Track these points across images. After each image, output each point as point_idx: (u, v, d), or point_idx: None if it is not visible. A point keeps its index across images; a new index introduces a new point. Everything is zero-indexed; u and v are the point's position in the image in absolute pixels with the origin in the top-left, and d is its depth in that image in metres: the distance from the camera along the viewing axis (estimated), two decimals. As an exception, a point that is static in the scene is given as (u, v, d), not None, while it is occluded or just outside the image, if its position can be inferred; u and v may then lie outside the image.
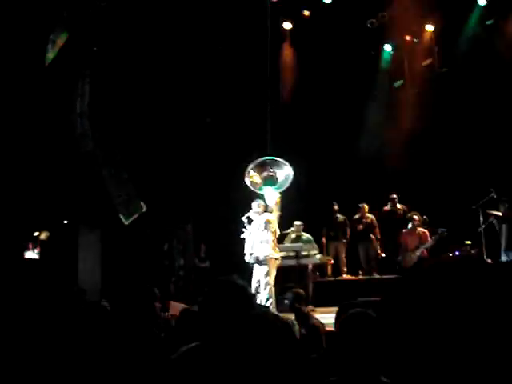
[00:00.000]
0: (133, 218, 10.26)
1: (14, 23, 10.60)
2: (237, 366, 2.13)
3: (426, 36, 12.95)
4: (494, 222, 9.62)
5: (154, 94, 11.59)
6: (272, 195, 8.22)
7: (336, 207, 11.96)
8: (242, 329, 2.21)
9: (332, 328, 5.94)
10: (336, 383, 2.53)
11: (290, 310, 5.37)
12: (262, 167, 8.35)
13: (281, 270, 9.29)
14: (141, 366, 3.50)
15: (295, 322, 4.18)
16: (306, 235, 11.05)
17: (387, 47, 13.60)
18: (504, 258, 9.12)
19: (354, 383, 2.46)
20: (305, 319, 4.91)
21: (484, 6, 12.06)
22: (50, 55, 11.21)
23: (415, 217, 10.44)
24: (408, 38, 13.16)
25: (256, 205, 8.45)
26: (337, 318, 3.62)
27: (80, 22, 10.48)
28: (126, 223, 10.25)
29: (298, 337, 3.77)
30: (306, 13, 12.78)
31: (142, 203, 10.37)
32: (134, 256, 10.41)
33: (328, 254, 11.70)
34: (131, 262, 10.19)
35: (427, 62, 13.02)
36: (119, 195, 10.50)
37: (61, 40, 10.92)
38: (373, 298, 6.03)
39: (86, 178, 10.54)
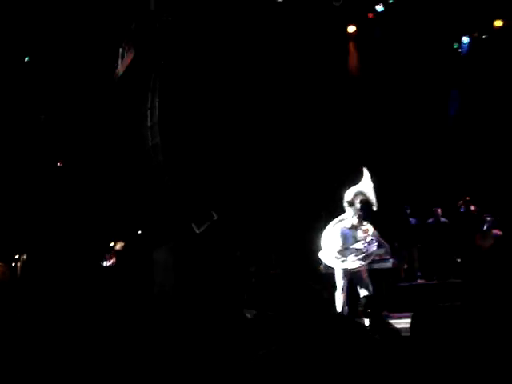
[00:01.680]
0: (204, 226, 10.41)
1: (84, 38, 11.03)
2: (317, 366, 2.15)
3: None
4: None
5: (218, 105, 11.79)
6: None
7: (407, 211, 11.76)
8: (322, 329, 2.23)
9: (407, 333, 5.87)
10: None
11: (363, 315, 5.29)
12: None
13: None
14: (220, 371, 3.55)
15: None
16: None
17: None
18: None
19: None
20: (381, 325, 4.85)
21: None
22: (120, 69, 11.59)
23: (488, 218, 10.19)
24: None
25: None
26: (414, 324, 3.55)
27: (148, 36, 10.77)
28: (198, 231, 10.40)
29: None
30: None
31: (212, 212, 10.51)
32: (208, 264, 10.56)
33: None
34: (206, 271, 10.35)
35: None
36: (191, 204, 10.69)
37: (130, 54, 11.28)
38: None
39: (158, 188, 10.78)
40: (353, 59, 13.39)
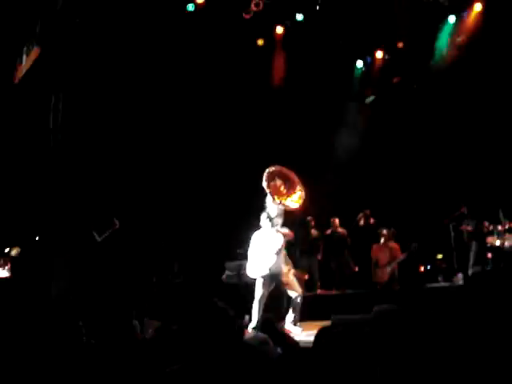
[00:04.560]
0: (106, 234, 10.18)
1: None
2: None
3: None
4: (465, 237, 9.81)
5: (126, 108, 11.62)
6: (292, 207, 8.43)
7: (312, 222, 12.00)
8: (226, 354, 2.24)
9: (307, 345, 5.99)
10: None
11: (263, 332, 5.23)
12: (288, 180, 8.55)
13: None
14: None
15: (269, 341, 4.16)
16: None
17: (359, 63, 13.69)
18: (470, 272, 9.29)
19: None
20: (280, 339, 4.91)
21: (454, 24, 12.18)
22: (22, 69, 11.14)
23: (385, 231, 10.56)
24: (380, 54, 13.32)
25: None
26: (319, 338, 3.63)
27: (53, 38, 10.43)
28: (99, 240, 10.16)
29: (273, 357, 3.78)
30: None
31: (115, 220, 10.29)
32: (109, 272, 10.32)
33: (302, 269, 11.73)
34: (105, 279, 10.09)
35: (398, 78, 13.20)
36: (92, 211, 10.44)
37: (33, 54, 10.86)
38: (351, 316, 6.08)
39: (58, 193, 10.45)
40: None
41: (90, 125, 11.17)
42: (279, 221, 8.52)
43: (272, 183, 8.44)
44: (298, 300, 8.50)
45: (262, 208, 8.52)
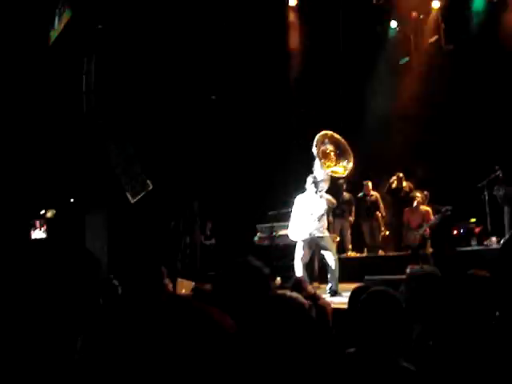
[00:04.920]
0: (139, 196, 10.30)
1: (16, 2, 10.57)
2: (256, 348, 2.18)
3: (433, 13, 12.81)
4: (499, 201, 9.65)
5: (159, 72, 11.61)
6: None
7: (344, 185, 11.94)
8: (260, 311, 2.26)
9: (341, 306, 6.03)
10: (354, 355, 2.56)
11: (293, 290, 5.26)
12: (339, 147, 8.41)
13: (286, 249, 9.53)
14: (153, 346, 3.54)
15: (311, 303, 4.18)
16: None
17: (393, 23, 13.41)
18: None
19: (372, 357, 2.49)
20: (312, 300, 4.95)
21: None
22: (55, 32, 11.18)
23: (418, 194, 10.45)
24: (414, 14, 13.02)
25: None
26: (353, 297, 3.64)
27: (84, 1, 10.44)
28: (133, 201, 10.29)
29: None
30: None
31: (148, 181, 10.40)
32: (141, 234, 10.46)
33: (333, 232, 11.73)
34: (138, 240, 10.24)
35: (433, 39, 12.90)
36: (125, 172, 10.54)
37: (65, 17, 10.88)
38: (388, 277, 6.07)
39: (93, 155, 10.57)
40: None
41: (123, 88, 11.20)
42: (325, 186, 8.37)
43: (323, 147, 8.33)
44: (334, 267, 8.40)
45: (310, 171, 8.39)
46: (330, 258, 8.34)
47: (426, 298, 2.97)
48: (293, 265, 8.49)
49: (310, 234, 8.26)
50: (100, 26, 10.44)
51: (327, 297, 7.83)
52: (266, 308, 2.31)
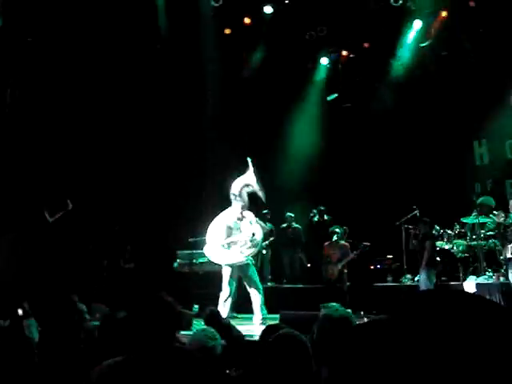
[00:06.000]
0: (57, 215, 9.96)
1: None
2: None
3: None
4: (414, 242, 9.91)
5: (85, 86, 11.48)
6: None
7: (268, 216, 12.02)
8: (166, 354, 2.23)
9: (253, 338, 6.03)
10: None
11: (207, 324, 5.16)
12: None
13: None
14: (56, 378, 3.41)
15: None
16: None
17: (324, 60, 13.67)
18: (423, 275, 9.40)
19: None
20: (226, 331, 4.92)
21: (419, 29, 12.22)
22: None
23: (337, 230, 10.64)
24: (345, 52, 13.35)
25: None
26: (264, 336, 3.65)
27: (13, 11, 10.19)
28: (51, 221, 9.95)
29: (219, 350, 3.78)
30: (247, 20, 12.74)
31: (68, 201, 10.09)
32: (57, 256, 10.12)
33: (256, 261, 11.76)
34: (54, 263, 9.90)
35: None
36: (46, 192, 10.24)
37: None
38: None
39: (9, 174, 10.22)
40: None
41: (44, 103, 10.99)
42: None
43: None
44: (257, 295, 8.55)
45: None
46: (253, 289, 8.50)
47: (336, 342, 3.00)
48: (211, 292, 8.56)
49: (235, 261, 8.46)
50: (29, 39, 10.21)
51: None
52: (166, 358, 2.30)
